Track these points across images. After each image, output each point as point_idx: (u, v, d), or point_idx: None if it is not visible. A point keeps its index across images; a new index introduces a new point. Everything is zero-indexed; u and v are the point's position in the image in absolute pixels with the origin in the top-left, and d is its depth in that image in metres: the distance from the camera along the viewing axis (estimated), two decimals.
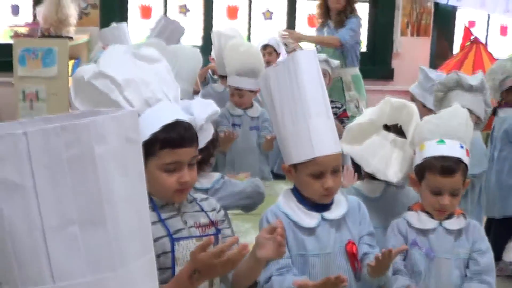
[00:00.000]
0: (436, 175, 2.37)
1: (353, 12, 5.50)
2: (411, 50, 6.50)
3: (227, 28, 4.94)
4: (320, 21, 5.67)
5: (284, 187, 3.51)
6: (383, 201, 2.65)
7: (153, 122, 1.86)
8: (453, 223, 2.44)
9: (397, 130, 2.65)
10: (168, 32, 4.61)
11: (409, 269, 2.42)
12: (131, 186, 1.08)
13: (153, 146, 1.84)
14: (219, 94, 4.55)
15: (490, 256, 2.44)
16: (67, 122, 1.01)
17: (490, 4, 6.17)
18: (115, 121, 1.05)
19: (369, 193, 2.66)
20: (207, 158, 2.55)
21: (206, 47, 6.02)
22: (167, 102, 1.94)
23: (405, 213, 2.49)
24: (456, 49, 6.57)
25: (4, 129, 1.04)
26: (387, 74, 6.44)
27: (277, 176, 4.15)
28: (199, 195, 2.12)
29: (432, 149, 2.41)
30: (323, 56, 4.71)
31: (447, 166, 2.37)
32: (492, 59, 5.97)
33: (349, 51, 5.45)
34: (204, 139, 2.44)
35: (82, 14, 5.84)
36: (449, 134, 2.42)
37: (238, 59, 4.06)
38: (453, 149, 2.41)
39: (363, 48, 6.28)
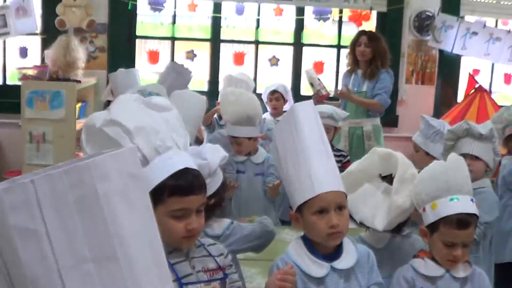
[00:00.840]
0: (452, 229, 2.39)
1: (384, 65, 5.55)
2: (415, 98, 6.54)
3: (238, 73, 4.99)
4: (348, 68, 5.74)
5: (290, 232, 3.53)
6: (389, 251, 2.66)
7: (162, 170, 1.88)
8: (460, 271, 2.45)
9: (392, 180, 2.69)
10: (177, 78, 4.66)
11: None
12: (140, 220, 1.11)
13: (161, 193, 1.85)
14: (226, 138, 4.57)
15: None
16: (69, 166, 1.05)
17: (494, 53, 6.24)
18: (114, 159, 1.09)
19: (375, 243, 2.67)
20: (219, 201, 2.57)
21: (212, 92, 6.08)
22: (177, 150, 1.96)
23: (411, 261, 2.49)
24: (460, 96, 6.60)
25: (15, 182, 1.09)
26: (392, 121, 6.46)
27: (282, 222, 4.14)
28: (207, 240, 2.13)
29: (448, 208, 2.43)
30: (329, 111, 4.69)
31: (464, 220, 2.40)
32: (497, 107, 6.00)
33: None
34: (216, 183, 2.47)
35: (90, 58, 5.90)
36: (459, 189, 2.45)
37: (230, 109, 4.08)
38: (467, 205, 2.44)
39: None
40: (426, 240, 2.50)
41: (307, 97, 5.43)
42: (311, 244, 2.23)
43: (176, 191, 1.88)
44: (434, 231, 2.44)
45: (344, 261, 2.21)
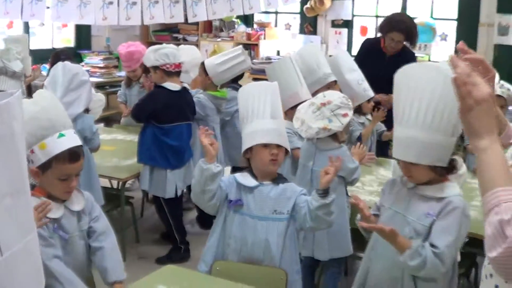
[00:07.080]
0: (66, 163, 2.50)
1: None
2: None
3: None
4: None
5: None
6: None
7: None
8: (74, 204, 2.64)
9: None
10: None
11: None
12: (24, 156, 1.14)
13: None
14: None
15: (103, 221, 2.75)
16: None
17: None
18: (17, 101, 1.09)
19: None
20: None
21: None
22: None
23: None
24: None
25: None
26: None
27: None
28: None
29: (57, 146, 2.48)
30: None
31: (74, 153, 2.54)
32: None
33: None
34: None
35: None
36: (63, 125, 2.54)
37: None
38: (73, 139, 2.53)
39: None
40: (38, 179, 2.54)
41: None
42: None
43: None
44: (47, 169, 2.49)
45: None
